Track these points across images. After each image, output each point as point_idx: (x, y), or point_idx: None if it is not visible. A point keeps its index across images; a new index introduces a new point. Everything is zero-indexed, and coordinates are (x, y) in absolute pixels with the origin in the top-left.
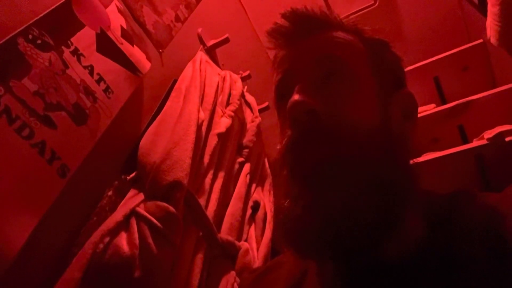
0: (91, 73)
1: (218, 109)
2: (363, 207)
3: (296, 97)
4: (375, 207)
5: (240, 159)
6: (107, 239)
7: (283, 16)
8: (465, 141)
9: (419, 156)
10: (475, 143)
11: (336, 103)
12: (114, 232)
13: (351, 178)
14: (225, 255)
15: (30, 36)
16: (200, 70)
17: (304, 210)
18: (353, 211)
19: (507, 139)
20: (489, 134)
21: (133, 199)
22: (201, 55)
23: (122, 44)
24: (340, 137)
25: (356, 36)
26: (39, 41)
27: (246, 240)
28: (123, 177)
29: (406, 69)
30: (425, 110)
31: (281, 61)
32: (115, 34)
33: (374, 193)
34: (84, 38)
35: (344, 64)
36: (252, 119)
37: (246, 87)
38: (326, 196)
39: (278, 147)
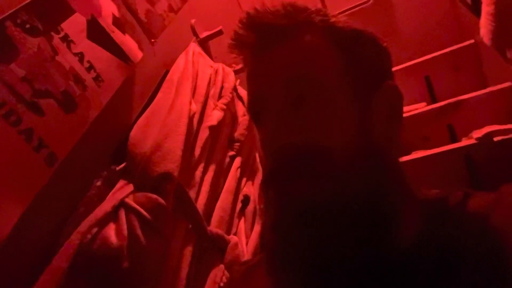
0: (81, 60)
1: (210, 102)
2: (352, 237)
3: (269, 130)
4: (366, 226)
5: (231, 153)
6: (95, 230)
7: (243, 25)
8: (454, 140)
9: (408, 153)
10: (464, 142)
11: (311, 130)
12: (102, 223)
13: (336, 211)
14: (214, 248)
15: (19, 20)
16: (193, 62)
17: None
18: (341, 244)
19: (495, 139)
20: (477, 133)
21: (122, 190)
22: (193, 47)
23: (113, 32)
24: (320, 166)
25: (326, 34)
26: (28, 26)
27: (235, 234)
28: (112, 167)
29: (398, 67)
30: (416, 108)
31: (249, 79)
32: (106, 21)
33: (365, 214)
34: (75, 25)
35: (315, 82)
36: (244, 113)
37: (238, 80)
38: (309, 233)
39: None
